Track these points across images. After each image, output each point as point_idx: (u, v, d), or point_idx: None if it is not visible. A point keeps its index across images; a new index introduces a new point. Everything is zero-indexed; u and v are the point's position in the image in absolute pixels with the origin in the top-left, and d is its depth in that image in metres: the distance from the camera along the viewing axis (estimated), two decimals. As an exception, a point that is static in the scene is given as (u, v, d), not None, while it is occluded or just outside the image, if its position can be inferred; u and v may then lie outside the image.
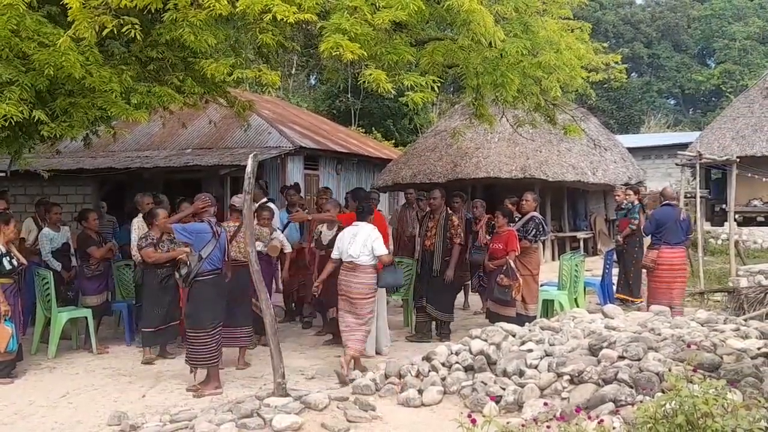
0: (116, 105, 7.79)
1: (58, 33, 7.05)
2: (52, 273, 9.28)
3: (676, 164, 21.82)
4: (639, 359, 6.00)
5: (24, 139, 8.55)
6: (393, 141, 31.65)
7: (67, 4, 6.73)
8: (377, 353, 8.79)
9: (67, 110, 7.95)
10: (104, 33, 6.89)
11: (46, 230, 9.74)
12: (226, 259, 7.75)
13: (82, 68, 7.16)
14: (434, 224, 9.79)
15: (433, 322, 9.93)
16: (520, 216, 9.86)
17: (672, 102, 58.74)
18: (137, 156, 17.90)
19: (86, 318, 9.29)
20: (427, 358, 6.99)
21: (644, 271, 10.82)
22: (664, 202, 10.44)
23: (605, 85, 27.87)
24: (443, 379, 6.59)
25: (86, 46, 7.11)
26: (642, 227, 11.27)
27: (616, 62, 12.56)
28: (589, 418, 4.79)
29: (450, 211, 9.93)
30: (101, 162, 17.41)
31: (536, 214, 9.85)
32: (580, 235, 19.98)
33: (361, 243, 8.03)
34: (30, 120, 7.49)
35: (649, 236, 10.51)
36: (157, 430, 5.85)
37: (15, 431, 6.33)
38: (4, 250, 8.01)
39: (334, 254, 8.28)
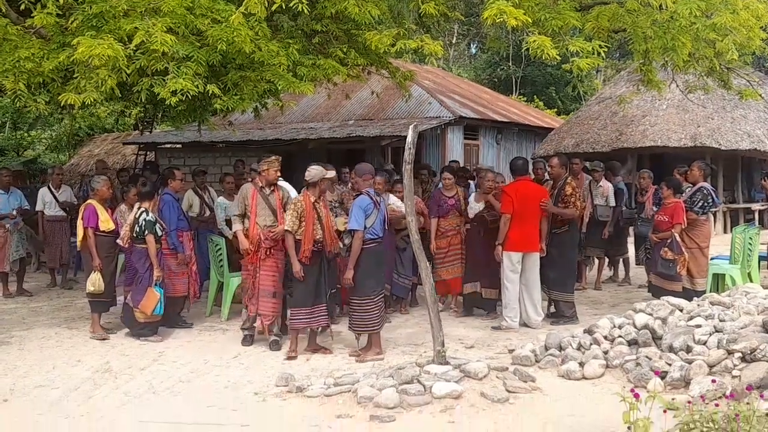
0: (284, 78, 8.03)
1: (230, 9, 7.32)
2: (224, 240, 9.75)
3: None
4: (819, 338, 5.66)
5: (199, 112, 8.96)
6: (555, 109, 31.06)
7: (238, -20, 6.99)
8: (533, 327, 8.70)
9: (237, 84, 8.26)
10: (273, 8, 7.10)
11: (220, 199, 10.21)
12: (387, 228, 7.88)
13: (252, 43, 7.39)
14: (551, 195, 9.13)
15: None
16: (691, 186, 9.43)
17: None
18: (302, 127, 18.44)
19: (256, 283, 9.66)
20: (589, 331, 6.87)
21: None
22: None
23: (786, 48, 26.01)
24: (605, 352, 6.46)
25: (255, 21, 7.36)
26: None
27: (799, 23, 11.73)
28: (762, 397, 4.57)
29: (568, 180, 9.14)
30: (269, 134, 18.06)
31: (705, 184, 9.38)
32: (755, 206, 18.91)
33: None
34: (204, 94, 7.83)
35: None
36: (322, 392, 6.05)
37: (192, 388, 6.72)
38: (153, 219, 8.35)
39: None
